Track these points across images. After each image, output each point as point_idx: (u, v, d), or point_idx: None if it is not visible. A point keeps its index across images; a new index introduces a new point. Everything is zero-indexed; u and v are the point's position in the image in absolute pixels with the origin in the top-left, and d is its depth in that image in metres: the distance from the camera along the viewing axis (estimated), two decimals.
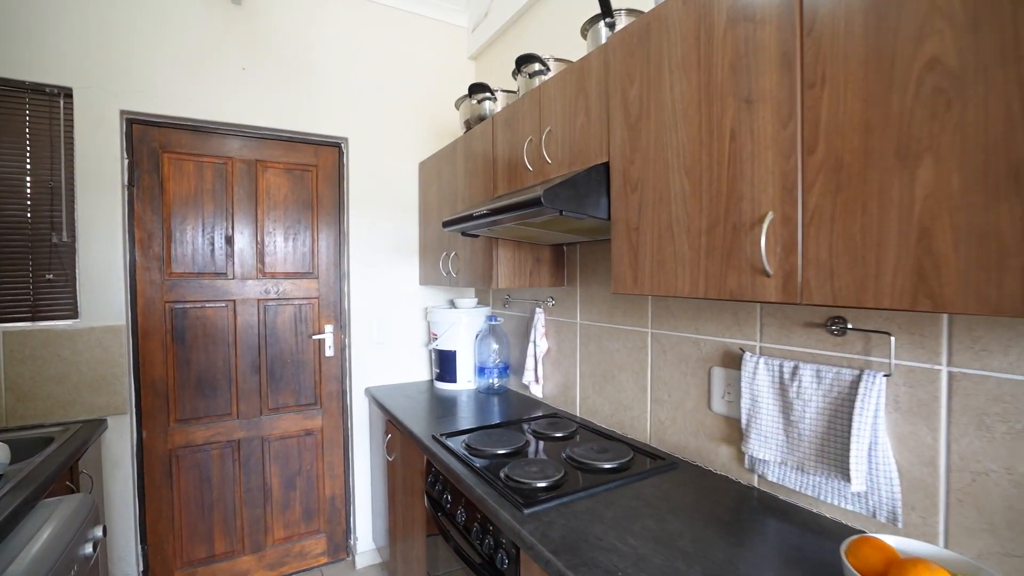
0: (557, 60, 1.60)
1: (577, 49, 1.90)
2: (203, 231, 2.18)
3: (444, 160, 2.22)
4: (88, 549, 1.24)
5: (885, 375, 0.97)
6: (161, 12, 2.03)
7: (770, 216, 0.86)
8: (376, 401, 2.24)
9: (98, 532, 1.30)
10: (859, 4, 0.73)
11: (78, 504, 1.29)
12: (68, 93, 1.89)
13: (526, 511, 1.13)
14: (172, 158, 2.12)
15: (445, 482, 1.51)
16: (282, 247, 2.34)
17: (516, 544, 1.11)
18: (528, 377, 2.08)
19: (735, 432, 1.31)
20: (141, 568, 2.06)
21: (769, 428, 1.18)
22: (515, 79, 1.72)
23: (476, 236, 1.79)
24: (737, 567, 0.92)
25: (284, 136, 2.33)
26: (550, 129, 1.45)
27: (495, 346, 2.29)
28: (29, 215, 1.85)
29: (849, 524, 1.05)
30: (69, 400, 1.88)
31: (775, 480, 1.19)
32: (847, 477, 1.00)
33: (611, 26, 1.33)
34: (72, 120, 1.90)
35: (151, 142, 2.08)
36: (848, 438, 1.01)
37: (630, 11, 1.32)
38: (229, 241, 2.23)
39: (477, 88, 1.93)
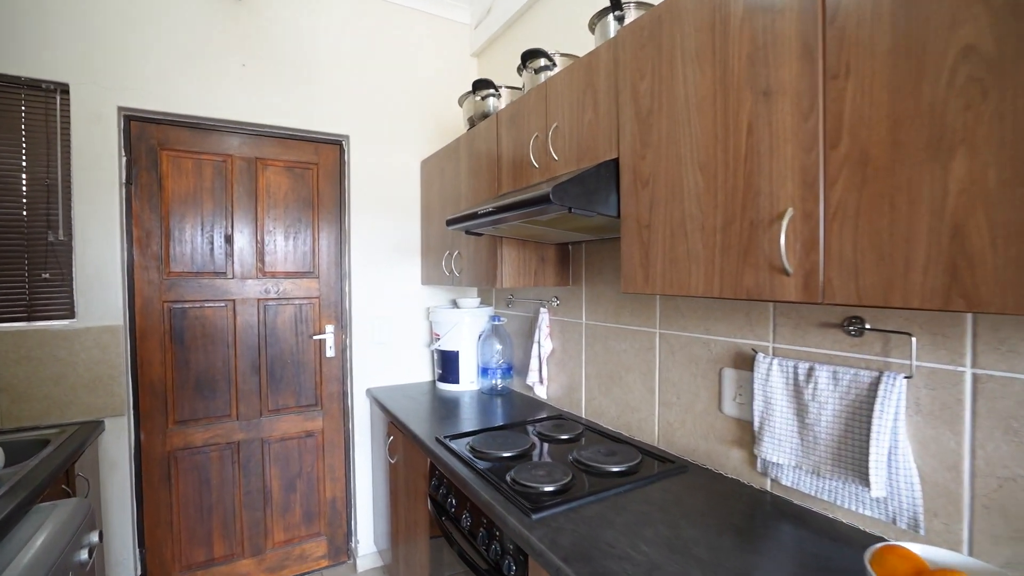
0: (563, 55, 1.57)
1: (582, 46, 1.87)
2: (202, 230, 2.15)
3: (447, 158, 2.19)
4: (84, 555, 1.21)
5: (906, 377, 0.94)
6: (160, 7, 2.00)
7: (790, 212, 0.83)
8: (378, 402, 2.21)
9: (94, 537, 1.26)
10: None
11: (74, 509, 1.26)
12: (65, 89, 1.86)
13: (534, 516, 1.10)
14: (171, 155, 2.09)
15: (449, 486, 1.48)
16: (282, 246, 2.31)
17: (524, 551, 1.08)
18: (532, 378, 2.05)
19: (747, 435, 1.28)
20: (139, 572, 2.03)
21: (783, 431, 1.15)
22: (520, 75, 1.69)
23: (480, 235, 1.76)
24: None
25: (284, 133, 2.30)
26: (557, 125, 1.42)
27: (498, 346, 2.26)
28: (25, 213, 1.82)
29: (867, 530, 1.02)
30: (66, 401, 1.84)
31: (789, 484, 1.16)
32: (866, 482, 0.97)
33: (620, 19, 1.30)
34: (69, 117, 1.86)
35: (149, 139, 2.05)
36: (867, 442, 0.98)
37: (640, 3, 1.29)
38: (229, 240, 2.20)
39: (481, 84, 1.90)
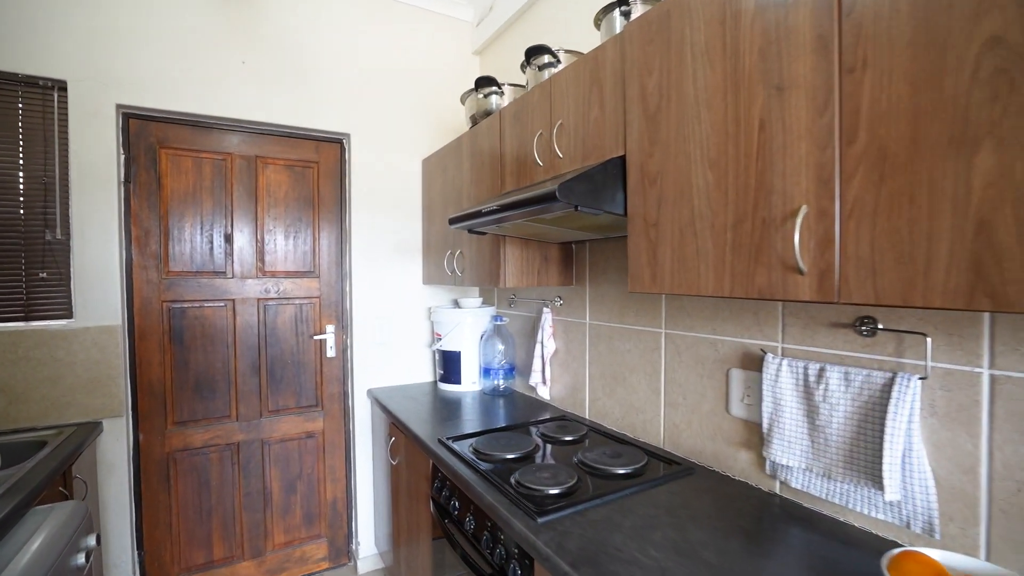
0: (568, 52, 1.55)
1: (585, 43, 1.85)
2: (202, 229, 2.13)
3: (449, 156, 2.17)
4: (80, 559, 1.19)
5: (920, 378, 0.92)
6: (158, 3, 1.97)
7: (804, 210, 0.81)
8: (379, 403, 2.19)
9: (91, 541, 1.24)
10: None
11: (71, 512, 1.23)
12: (62, 86, 1.84)
13: (540, 520, 1.08)
14: (170, 154, 2.07)
15: (453, 488, 1.46)
16: (282, 245, 2.29)
17: (530, 555, 1.06)
18: (535, 379, 2.03)
19: (755, 436, 1.26)
20: (138, 575, 2.00)
21: (793, 433, 1.13)
22: (524, 72, 1.67)
23: (483, 234, 1.74)
24: None
25: (285, 132, 2.28)
26: (561, 123, 1.40)
27: (500, 347, 2.24)
28: (22, 212, 1.79)
29: (880, 534, 1.01)
30: (63, 402, 1.82)
31: (799, 487, 1.14)
32: (879, 485, 0.95)
33: (627, 15, 1.28)
34: (66, 114, 1.84)
35: (148, 137, 2.02)
36: (880, 444, 0.96)
37: None
38: (228, 239, 2.18)
39: (484, 82, 1.88)
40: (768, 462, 1.20)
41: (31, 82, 1.80)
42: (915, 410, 0.93)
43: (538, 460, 1.44)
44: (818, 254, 0.80)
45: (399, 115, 2.49)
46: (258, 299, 2.24)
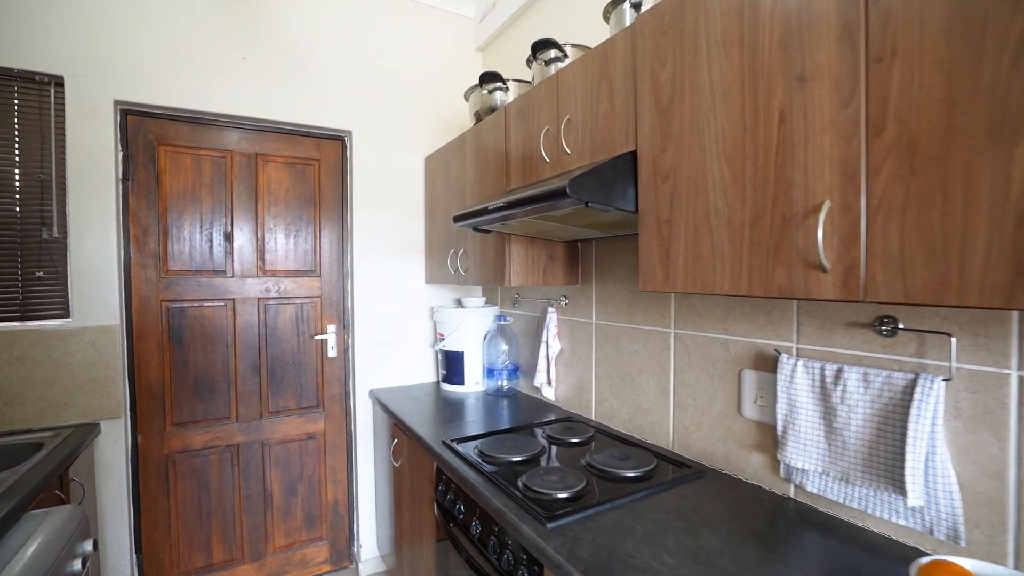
0: (575, 46, 1.52)
1: (589, 39, 1.82)
2: (201, 227, 2.10)
3: (452, 154, 2.14)
4: (77, 565, 1.16)
5: (944, 379, 0.89)
6: None
7: (827, 205, 0.78)
8: (381, 404, 2.16)
9: (88, 547, 1.21)
10: None
11: (67, 516, 1.20)
12: (59, 82, 1.81)
13: (549, 525, 1.05)
14: (169, 151, 2.03)
15: (457, 491, 1.43)
16: (283, 244, 2.26)
17: (540, 561, 1.03)
18: (540, 379, 2.00)
19: (768, 439, 1.23)
20: None
21: (809, 435, 1.10)
22: (529, 67, 1.64)
23: (488, 232, 1.71)
24: None
25: (285, 129, 2.24)
26: (569, 118, 1.37)
27: (504, 347, 2.21)
28: (18, 209, 1.76)
29: (901, 540, 0.98)
30: (60, 403, 1.79)
31: (815, 491, 1.11)
32: (901, 490, 0.92)
33: (637, 7, 1.25)
34: (64, 110, 1.81)
35: (147, 134, 1.99)
36: (902, 447, 0.93)
37: None
38: (228, 238, 2.15)
39: (488, 77, 1.85)
40: (782, 465, 1.17)
41: (27, 77, 1.76)
42: (939, 412, 0.90)
43: (545, 463, 1.41)
44: (842, 251, 0.77)
45: (401, 112, 2.46)
46: (258, 298, 2.21)
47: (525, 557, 1.09)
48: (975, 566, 0.74)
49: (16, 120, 1.76)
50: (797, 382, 1.12)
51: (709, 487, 1.25)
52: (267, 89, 2.15)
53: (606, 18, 1.35)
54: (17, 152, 1.76)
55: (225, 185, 2.14)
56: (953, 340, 0.89)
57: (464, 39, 2.65)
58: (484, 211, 1.40)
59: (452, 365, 2.30)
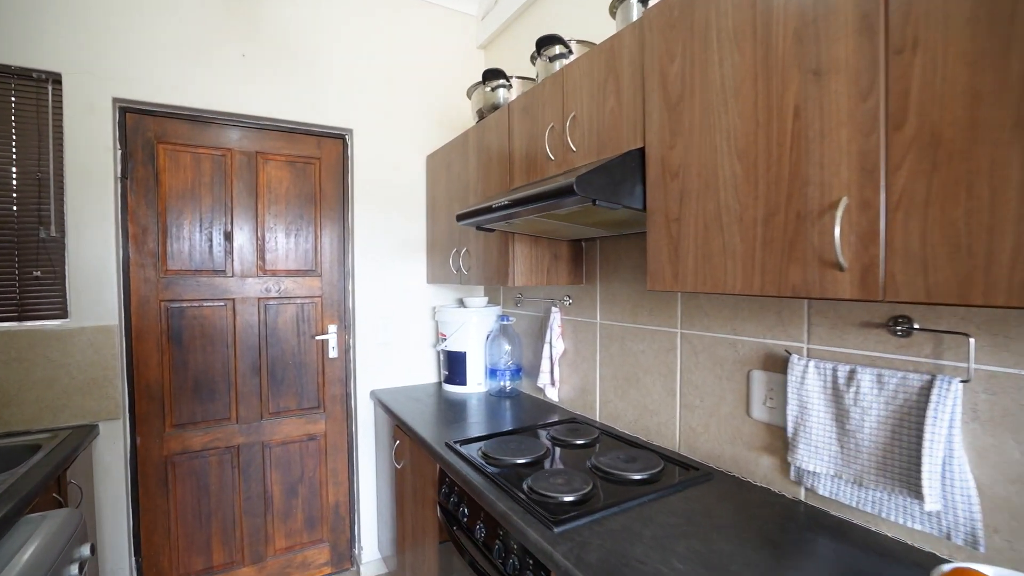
0: (579, 42, 1.50)
1: (593, 37, 1.79)
2: (201, 226, 2.07)
3: (454, 152, 2.12)
4: (74, 570, 1.13)
5: (962, 381, 0.87)
6: None
7: (844, 202, 0.75)
8: (382, 404, 2.14)
9: (85, 551, 1.19)
10: None
11: (64, 520, 1.18)
12: (57, 79, 1.78)
13: (557, 529, 1.03)
14: (168, 149, 2.01)
15: (461, 494, 1.41)
16: (283, 243, 2.24)
17: (547, 567, 1.01)
18: (543, 380, 1.98)
19: (778, 441, 1.21)
20: None
21: (820, 438, 1.08)
22: (533, 63, 1.62)
23: (491, 231, 1.68)
24: None
25: (286, 127, 2.22)
26: (575, 115, 1.35)
27: (507, 347, 2.18)
28: (15, 208, 1.74)
29: (917, 545, 0.95)
30: (58, 405, 1.77)
31: (826, 494, 1.09)
32: (917, 494, 0.90)
33: (644, 1, 1.23)
34: (61, 108, 1.78)
35: (146, 132, 1.97)
36: (917, 451, 0.91)
37: None
38: (228, 237, 2.13)
39: (491, 74, 1.83)
40: (793, 468, 1.15)
41: (24, 74, 1.74)
42: (956, 415, 0.88)
43: (549, 465, 1.39)
44: (860, 249, 0.74)
45: (403, 110, 2.43)
46: (258, 298, 2.19)
47: (531, 562, 1.07)
48: (997, 574, 0.72)
49: (13, 118, 1.74)
50: (808, 383, 1.09)
51: (718, 490, 1.22)
52: (267, 87, 2.12)
53: (612, 13, 1.33)
54: (14, 150, 1.73)
55: (225, 184, 2.12)
56: (971, 341, 0.87)
57: (466, 37, 2.63)
58: (489, 209, 1.38)
59: (454, 365, 2.28)
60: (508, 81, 1.84)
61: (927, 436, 0.89)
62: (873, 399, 0.99)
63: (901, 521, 0.96)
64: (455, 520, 1.44)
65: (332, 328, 2.33)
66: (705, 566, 0.91)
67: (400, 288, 2.45)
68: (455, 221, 2.11)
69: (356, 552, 2.39)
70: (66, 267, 1.80)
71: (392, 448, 2.04)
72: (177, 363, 2.04)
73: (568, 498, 1.15)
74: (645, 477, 1.27)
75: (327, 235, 2.33)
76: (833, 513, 1.09)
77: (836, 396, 1.05)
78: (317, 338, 2.31)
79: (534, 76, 1.83)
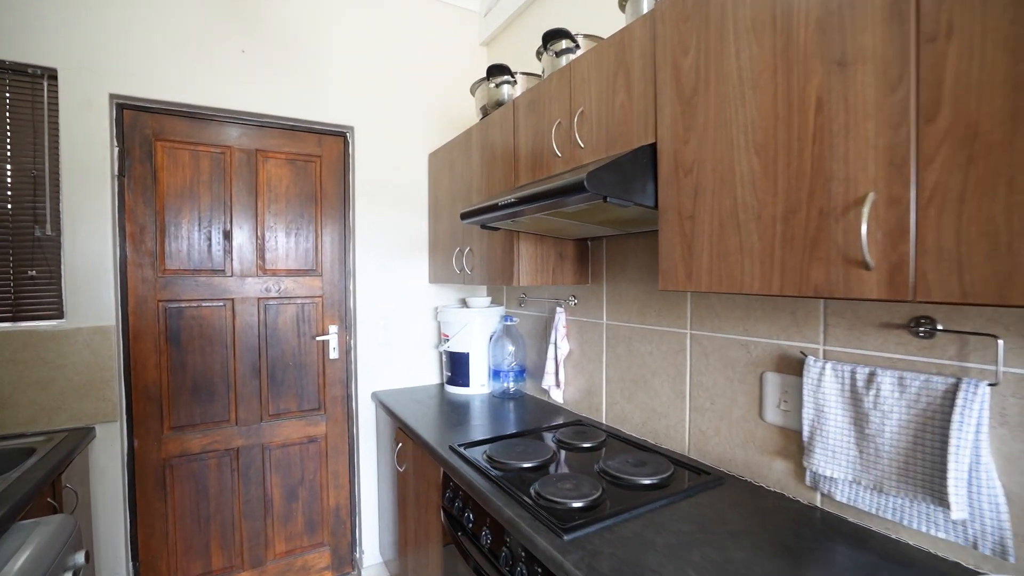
0: (587, 36, 1.47)
1: (598, 32, 1.76)
2: (199, 225, 2.04)
3: (457, 150, 2.09)
4: None
5: (990, 384, 0.84)
6: None
7: (871, 197, 0.72)
8: (384, 406, 2.11)
9: (80, 559, 1.15)
10: None
11: (57, 527, 1.15)
12: (53, 75, 1.75)
13: (566, 537, 1.00)
14: (166, 146, 1.98)
15: (466, 498, 1.38)
16: (284, 243, 2.20)
17: None
18: (548, 381, 1.94)
19: (792, 445, 1.18)
20: None
21: (838, 442, 1.05)
22: (539, 59, 1.59)
23: (496, 229, 1.65)
24: None
25: (286, 124, 2.19)
26: (583, 110, 1.32)
27: (510, 348, 2.15)
28: (10, 206, 1.70)
29: (941, 555, 0.92)
30: (54, 407, 1.73)
31: (844, 500, 1.05)
32: (942, 501, 0.87)
33: None
34: (57, 104, 1.75)
35: (143, 129, 1.93)
36: (942, 456, 0.88)
37: None
38: (227, 236, 2.09)
39: (496, 70, 1.79)
40: (808, 473, 1.12)
41: (19, 70, 1.71)
42: (983, 419, 0.85)
43: (556, 469, 1.35)
44: (888, 247, 0.71)
45: (404, 108, 2.40)
46: (258, 298, 2.15)
47: (540, 570, 1.03)
48: None
49: (7, 114, 1.70)
50: (825, 386, 1.06)
51: (730, 495, 1.19)
52: (267, 83, 2.09)
53: (622, 7, 1.30)
54: (9, 147, 1.70)
55: (224, 182, 2.08)
56: (1000, 342, 0.83)
57: (468, 33, 2.59)
58: (494, 207, 1.34)
59: (457, 366, 2.25)
60: (513, 77, 1.81)
61: (953, 441, 0.86)
62: (894, 402, 0.96)
63: (924, 529, 0.93)
64: (460, 525, 1.41)
65: (333, 328, 2.30)
66: None
67: (402, 288, 2.41)
68: (458, 220, 2.07)
69: (357, 556, 2.35)
70: (62, 266, 1.76)
71: (394, 450, 2.01)
72: (175, 364, 2.00)
73: (577, 504, 1.12)
74: (655, 482, 1.24)
75: (328, 234, 2.29)
76: (851, 520, 1.06)
77: (855, 399, 1.02)
78: (318, 339, 2.28)
79: (539, 72, 1.80)
